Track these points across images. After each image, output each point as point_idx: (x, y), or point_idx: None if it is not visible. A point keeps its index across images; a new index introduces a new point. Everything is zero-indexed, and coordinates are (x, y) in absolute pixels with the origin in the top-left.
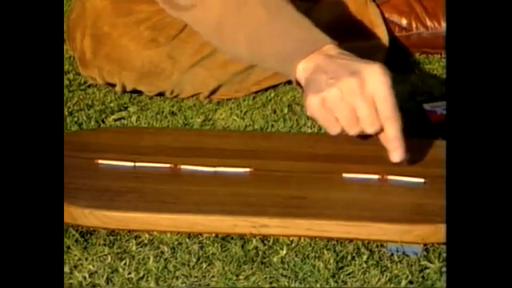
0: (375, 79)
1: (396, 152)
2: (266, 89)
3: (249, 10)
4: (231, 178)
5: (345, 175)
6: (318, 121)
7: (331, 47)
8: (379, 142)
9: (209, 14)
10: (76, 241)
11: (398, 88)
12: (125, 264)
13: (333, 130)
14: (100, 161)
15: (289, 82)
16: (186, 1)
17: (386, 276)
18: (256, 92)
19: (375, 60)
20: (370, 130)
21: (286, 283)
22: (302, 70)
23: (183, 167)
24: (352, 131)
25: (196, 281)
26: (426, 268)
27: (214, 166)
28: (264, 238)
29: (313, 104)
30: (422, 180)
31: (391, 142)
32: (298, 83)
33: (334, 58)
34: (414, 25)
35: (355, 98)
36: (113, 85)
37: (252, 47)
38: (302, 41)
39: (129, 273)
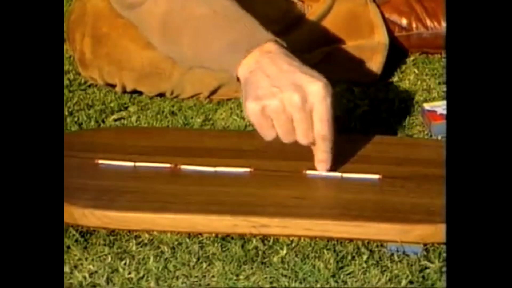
0: (317, 97)
1: (321, 164)
2: None
3: (193, 9)
4: (231, 178)
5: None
6: (254, 125)
7: (272, 44)
8: (379, 142)
9: (156, 12)
10: (76, 241)
11: (397, 88)
12: (125, 264)
13: (268, 136)
14: (100, 161)
15: None
16: None
17: (386, 276)
18: None
19: (375, 60)
20: (303, 142)
21: (286, 283)
22: (243, 67)
23: (183, 167)
24: (286, 140)
25: (196, 281)
26: (426, 268)
27: (214, 166)
28: (264, 238)
29: (252, 110)
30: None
31: (319, 157)
32: (239, 80)
33: (275, 57)
34: (414, 25)
35: (295, 112)
36: (113, 86)
37: (195, 46)
38: (243, 38)
39: (129, 273)
